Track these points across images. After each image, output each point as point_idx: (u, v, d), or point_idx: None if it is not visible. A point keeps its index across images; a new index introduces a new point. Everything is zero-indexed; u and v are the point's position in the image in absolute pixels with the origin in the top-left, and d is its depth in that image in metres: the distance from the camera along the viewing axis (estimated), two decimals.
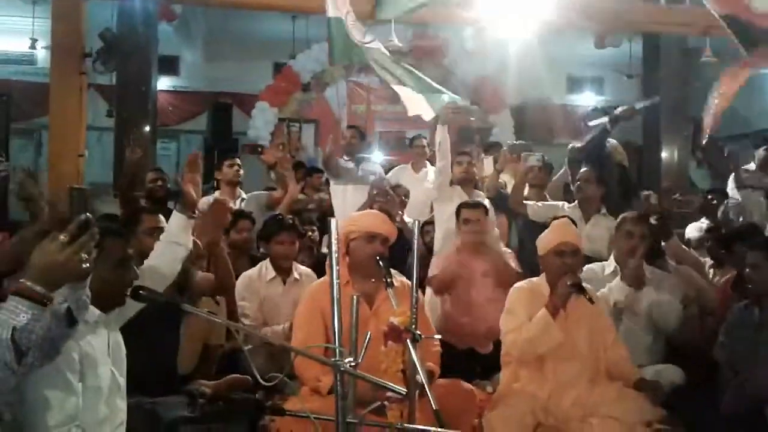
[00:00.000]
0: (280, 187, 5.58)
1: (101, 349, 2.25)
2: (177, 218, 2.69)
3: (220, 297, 3.80)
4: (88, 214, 1.72)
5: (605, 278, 3.84)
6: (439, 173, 4.61)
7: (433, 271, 4.27)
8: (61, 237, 1.71)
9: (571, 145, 5.67)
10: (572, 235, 3.33)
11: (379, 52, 4.52)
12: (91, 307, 2.18)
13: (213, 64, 11.28)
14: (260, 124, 9.92)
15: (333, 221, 2.15)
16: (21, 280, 1.72)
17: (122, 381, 2.32)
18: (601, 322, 3.33)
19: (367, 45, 4.43)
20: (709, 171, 10.62)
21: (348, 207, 5.13)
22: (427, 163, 6.12)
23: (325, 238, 4.69)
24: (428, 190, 5.20)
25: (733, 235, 4.40)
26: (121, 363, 2.35)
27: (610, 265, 3.90)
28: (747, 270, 3.22)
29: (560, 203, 4.95)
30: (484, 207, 4.27)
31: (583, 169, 4.88)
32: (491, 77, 9.43)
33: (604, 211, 4.72)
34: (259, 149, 5.59)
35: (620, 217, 3.99)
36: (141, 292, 2.26)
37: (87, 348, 2.18)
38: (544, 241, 3.34)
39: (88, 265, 1.76)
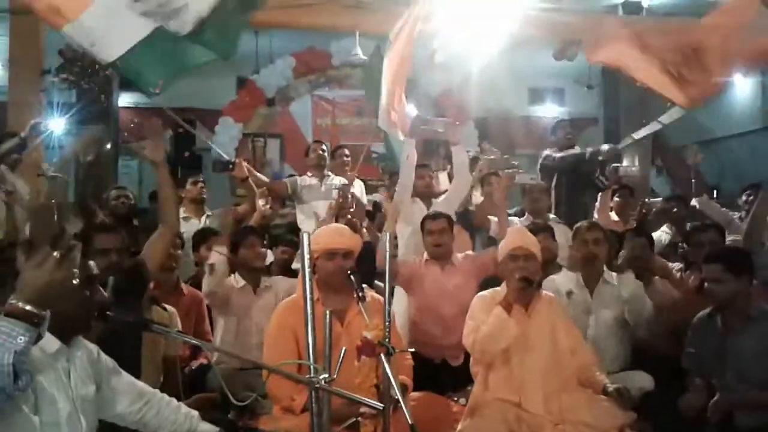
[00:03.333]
0: (248, 203, 5.48)
1: (58, 383, 2.07)
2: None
3: (170, 307, 3.72)
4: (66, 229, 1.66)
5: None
6: (402, 189, 4.53)
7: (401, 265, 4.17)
8: (55, 254, 1.64)
9: (546, 153, 5.82)
10: (527, 241, 3.39)
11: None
12: (50, 337, 2.02)
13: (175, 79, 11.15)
14: (224, 139, 9.83)
15: (305, 235, 2.13)
16: (12, 301, 1.64)
17: (87, 417, 2.13)
18: (564, 322, 3.40)
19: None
20: (668, 179, 10.85)
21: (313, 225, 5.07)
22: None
23: (298, 255, 4.65)
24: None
25: (694, 228, 4.53)
26: (88, 410, 2.16)
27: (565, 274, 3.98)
28: (707, 284, 3.26)
29: (515, 219, 5.01)
30: (447, 217, 4.23)
31: (532, 182, 5.00)
32: (455, 90, 9.49)
33: (552, 216, 4.91)
34: (230, 166, 5.50)
35: (574, 227, 4.08)
36: (108, 313, 2.21)
37: (41, 379, 2.00)
38: (501, 248, 3.43)
39: (77, 281, 1.69)
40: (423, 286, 4.12)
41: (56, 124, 5.32)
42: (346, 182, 5.83)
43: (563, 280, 3.88)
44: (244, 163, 5.28)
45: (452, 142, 4.62)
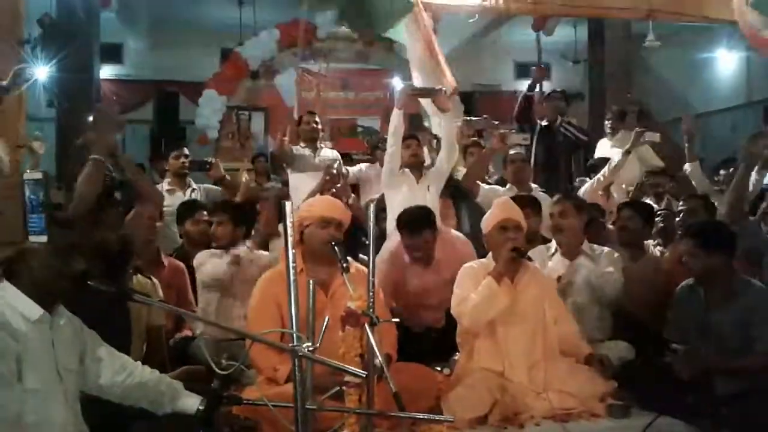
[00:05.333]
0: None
1: (42, 350, 2.12)
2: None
3: (154, 277, 3.70)
4: None
5: (550, 257, 3.92)
6: (388, 159, 4.54)
7: (381, 262, 4.00)
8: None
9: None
10: (514, 212, 3.40)
11: None
12: (33, 304, 2.09)
13: (158, 51, 11.00)
14: (208, 112, 9.70)
15: (287, 205, 2.12)
16: None
17: (70, 387, 2.19)
18: (550, 292, 3.43)
19: None
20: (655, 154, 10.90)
21: (305, 195, 5.06)
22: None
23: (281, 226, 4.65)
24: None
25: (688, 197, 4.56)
26: (71, 380, 2.21)
27: (553, 244, 3.98)
28: (684, 258, 3.30)
29: (498, 187, 5.01)
30: (429, 228, 4.06)
31: (513, 151, 4.99)
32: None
33: (535, 187, 4.91)
34: (207, 166, 5.44)
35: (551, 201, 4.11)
36: (90, 282, 2.20)
37: (23, 348, 2.05)
38: (488, 219, 3.43)
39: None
40: (405, 285, 4.07)
41: (41, 72, 5.14)
42: (336, 158, 5.82)
43: (555, 266, 3.84)
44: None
45: (442, 110, 4.60)
